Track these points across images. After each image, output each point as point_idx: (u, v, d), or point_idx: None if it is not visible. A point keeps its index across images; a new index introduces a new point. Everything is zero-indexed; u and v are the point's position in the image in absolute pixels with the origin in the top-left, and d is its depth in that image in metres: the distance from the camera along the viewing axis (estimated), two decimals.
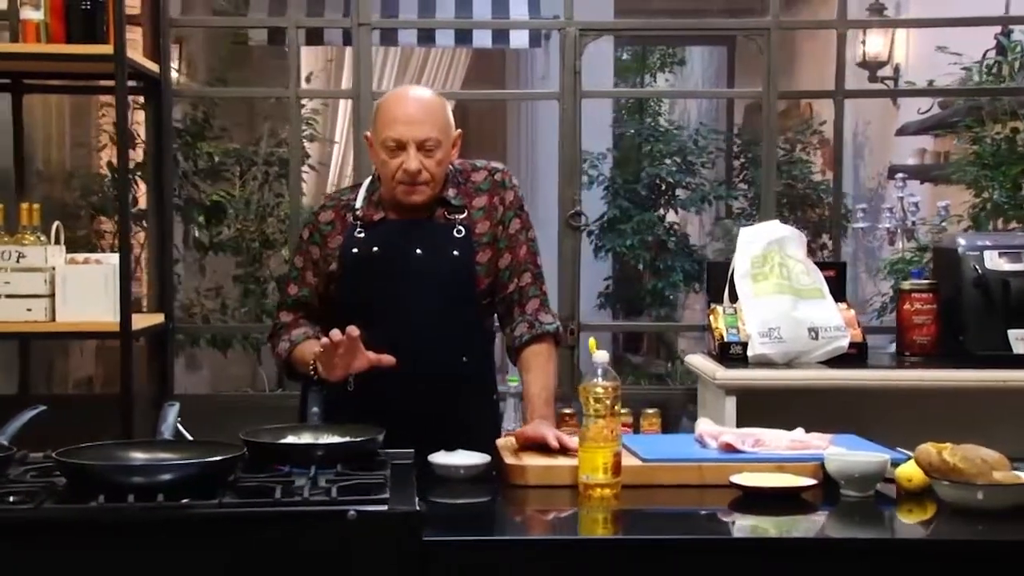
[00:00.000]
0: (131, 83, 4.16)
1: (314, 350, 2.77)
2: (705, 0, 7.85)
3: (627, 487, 2.41)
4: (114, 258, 3.93)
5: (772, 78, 4.55)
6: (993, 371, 3.84)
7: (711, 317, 4.07)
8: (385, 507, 2.08)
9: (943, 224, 5.21)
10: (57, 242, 3.93)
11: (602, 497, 2.38)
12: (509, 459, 2.56)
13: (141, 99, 4.60)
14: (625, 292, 7.72)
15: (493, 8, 6.55)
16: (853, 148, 7.70)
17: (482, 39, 6.95)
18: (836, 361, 3.92)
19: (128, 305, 3.85)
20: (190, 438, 2.57)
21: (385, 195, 2.91)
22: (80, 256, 4.00)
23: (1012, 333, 3.93)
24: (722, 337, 3.95)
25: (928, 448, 2.38)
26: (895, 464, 2.47)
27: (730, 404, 3.76)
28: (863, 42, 6.94)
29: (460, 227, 2.90)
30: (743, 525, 2.34)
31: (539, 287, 2.97)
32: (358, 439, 2.47)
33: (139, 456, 2.29)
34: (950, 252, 4.08)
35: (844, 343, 3.93)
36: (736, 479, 2.41)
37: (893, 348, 4.27)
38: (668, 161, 7.50)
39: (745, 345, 3.90)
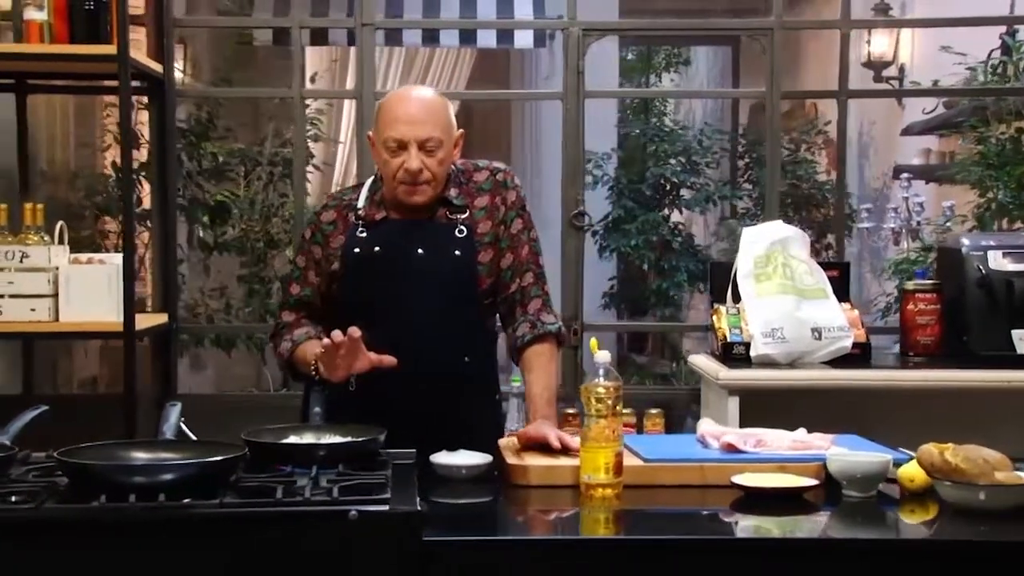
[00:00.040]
0: (135, 83, 4.17)
1: (315, 351, 2.77)
2: (709, 0, 7.84)
3: (629, 487, 2.41)
4: (117, 258, 3.94)
5: (775, 78, 4.55)
6: (997, 371, 3.84)
7: (714, 317, 4.06)
8: (386, 507, 2.08)
9: (948, 224, 5.20)
10: (61, 242, 3.93)
11: (604, 497, 2.38)
12: (511, 459, 2.56)
13: (145, 99, 4.60)
14: (630, 292, 7.71)
15: (497, 8, 6.55)
16: (858, 148, 7.69)
17: (486, 39, 6.95)
18: (839, 361, 3.91)
19: (131, 305, 3.86)
20: (194, 438, 2.57)
21: (387, 195, 2.91)
22: (84, 256, 4.01)
23: (1016, 333, 3.93)
24: (725, 337, 3.95)
25: (930, 448, 2.37)
26: (897, 464, 2.47)
27: (733, 404, 3.76)
28: (868, 42, 6.92)
29: (462, 227, 2.90)
30: (745, 525, 2.34)
31: (541, 287, 2.97)
32: (360, 439, 2.47)
33: (141, 456, 2.29)
34: (954, 252, 4.07)
35: (847, 343, 3.92)
36: (738, 479, 2.41)
37: (897, 348, 4.26)
38: (673, 161, 7.49)
39: (748, 345, 3.89)
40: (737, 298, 4.00)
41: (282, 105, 5.88)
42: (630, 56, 9.79)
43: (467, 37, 6.86)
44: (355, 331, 2.65)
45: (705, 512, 2.42)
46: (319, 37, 6.47)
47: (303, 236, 3.06)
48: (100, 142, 5.83)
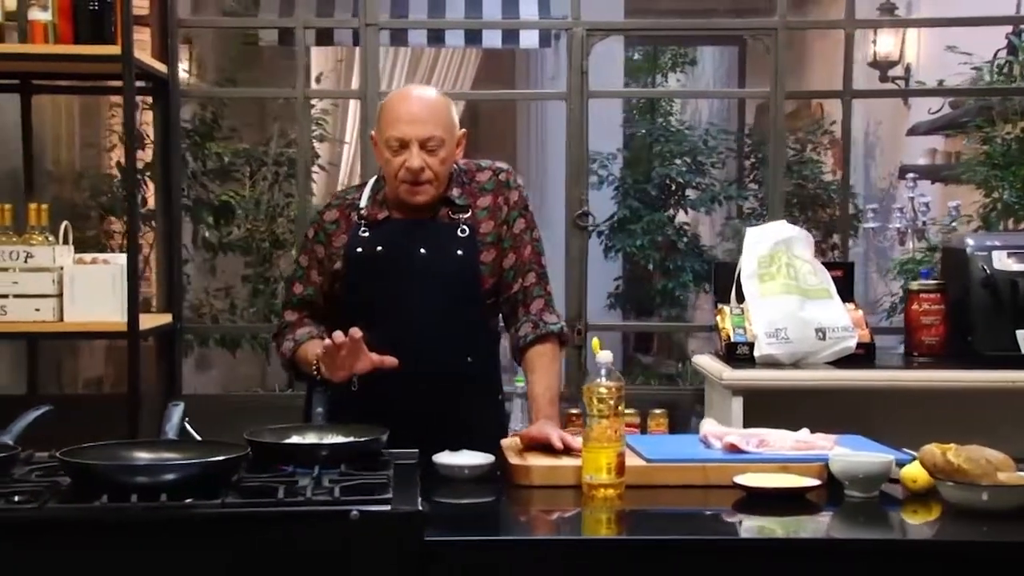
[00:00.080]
0: (139, 83, 4.17)
1: (317, 351, 2.77)
2: (714, 0, 7.83)
3: (631, 487, 2.41)
4: (122, 258, 3.94)
5: (779, 78, 4.54)
6: (1001, 372, 3.83)
7: (718, 317, 4.06)
8: (387, 507, 2.08)
9: (953, 224, 5.19)
10: (65, 242, 3.94)
11: (606, 497, 2.38)
12: (513, 459, 2.56)
13: (149, 99, 4.61)
14: (635, 292, 7.72)
15: (503, 8, 6.55)
16: (864, 148, 7.69)
17: (492, 39, 6.96)
18: (843, 362, 3.91)
19: (136, 305, 3.86)
20: (198, 438, 2.57)
21: (389, 194, 2.92)
22: (88, 256, 4.01)
23: (1020, 333, 3.92)
24: (729, 337, 3.95)
25: (932, 449, 2.37)
26: (900, 465, 2.46)
27: (736, 404, 3.76)
28: (874, 42, 6.92)
29: (464, 227, 2.90)
30: (747, 526, 2.34)
31: (544, 287, 2.97)
32: (362, 439, 2.47)
33: (143, 456, 2.29)
34: (959, 252, 4.07)
35: (851, 343, 3.92)
36: (740, 480, 2.40)
37: (902, 349, 4.26)
38: (678, 161, 7.50)
39: (752, 345, 3.89)
40: (741, 298, 4.00)
41: (288, 105, 5.87)
42: (636, 56, 9.79)
43: (472, 37, 6.88)
44: (356, 332, 2.65)
45: (707, 512, 2.42)
46: (324, 37, 6.49)
47: (306, 235, 3.06)
48: (105, 142, 5.84)
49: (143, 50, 4.25)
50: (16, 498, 2.11)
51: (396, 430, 2.53)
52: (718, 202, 7.55)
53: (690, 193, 7.46)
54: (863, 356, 3.95)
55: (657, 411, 4.28)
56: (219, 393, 6.15)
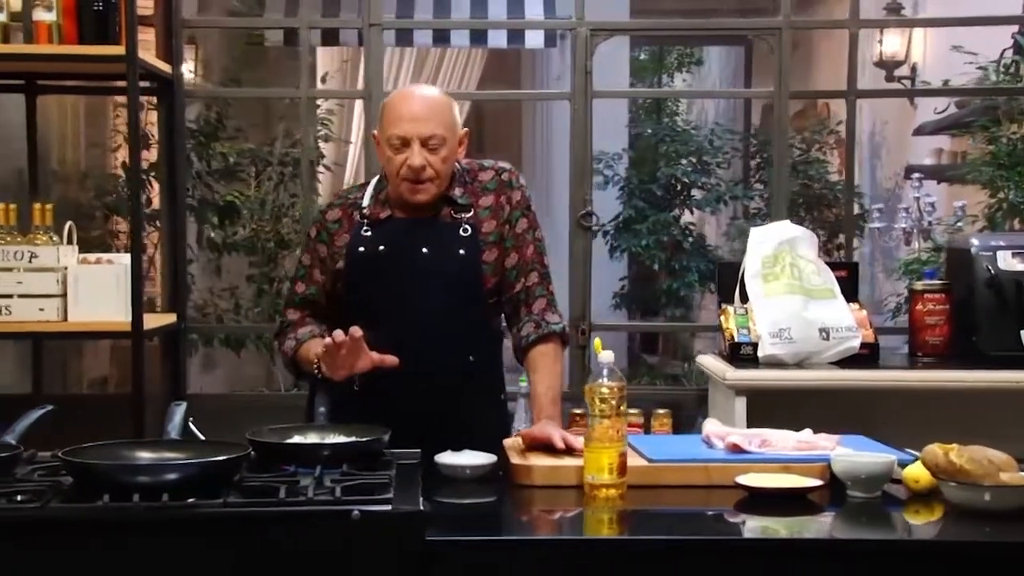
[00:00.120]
0: (144, 84, 4.18)
1: (318, 350, 2.77)
2: (719, 0, 7.83)
3: (633, 487, 2.41)
4: (126, 258, 3.95)
5: (784, 78, 4.54)
6: (1006, 372, 3.81)
7: (722, 317, 4.05)
8: (389, 507, 2.08)
9: (959, 224, 5.18)
10: (70, 242, 3.94)
11: (608, 497, 2.37)
12: (515, 459, 2.56)
13: (154, 99, 4.62)
14: (641, 292, 7.71)
15: (508, 8, 6.55)
16: (870, 148, 7.68)
17: (497, 39, 6.96)
18: (847, 362, 3.90)
19: (140, 305, 3.87)
20: (202, 438, 2.57)
21: (391, 193, 2.92)
22: (92, 256, 4.01)
23: None
24: (732, 337, 3.94)
25: (935, 449, 2.37)
26: (902, 465, 2.46)
27: (740, 405, 3.75)
28: (880, 42, 6.91)
29: (466, 226, 2.90)
30: (749, 526, 2.33)
31: (546, 287, 2.97)
32: (364, 439, 2.47)
33: (145, 456, 2.29)
34: (963, 252, 4.06)
35: (855, 344, 3.91)
36: (742, 480, 2.40)
37: (906, 349, 4.25)
38: (684, 161, 7.49)
39: (755, 346, 3.88)
40: (745, 298, 3.99)
41: (293, 105, 5.88)
42: (643, 56, 9.79)
43: (478, 37, 6.87)
44: (356, 331, 2.65)
45: (709, 512, 2.42)
46: (330, 37, 6.50)
47: (308, 235, 3.06)
48: (110, 142, 5.85)
49: (148, 50, 4.26)
50: (18, 497, 2.11)
51: (398, 430, 2.53)
52: (724, 202, 7.54)
53: (696, 193, 7.45)
54: (867, 356, 3.94)
55: (661, 411, 4.27)
56: (224, 393, 6.15)
